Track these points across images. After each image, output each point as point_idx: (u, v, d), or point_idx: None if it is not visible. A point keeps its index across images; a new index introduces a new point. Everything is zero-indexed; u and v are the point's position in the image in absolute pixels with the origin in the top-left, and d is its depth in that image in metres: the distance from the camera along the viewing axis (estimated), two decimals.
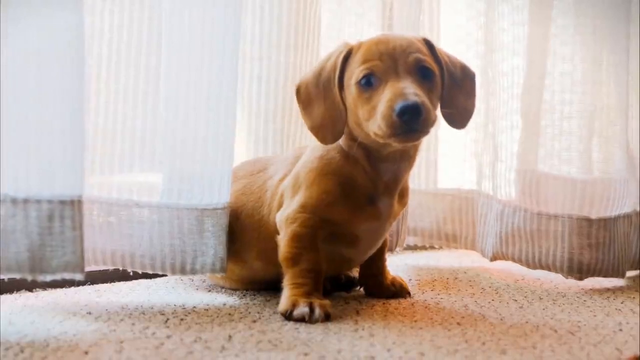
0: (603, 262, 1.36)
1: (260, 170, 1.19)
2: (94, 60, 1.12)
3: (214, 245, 1.12)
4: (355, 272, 1.26)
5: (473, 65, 1.51)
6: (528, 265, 1.40)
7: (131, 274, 1.18)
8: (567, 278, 1.37)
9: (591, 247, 1.35)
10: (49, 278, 0.95)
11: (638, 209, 1.45)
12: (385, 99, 0.98)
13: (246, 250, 1.15)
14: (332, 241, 1.09)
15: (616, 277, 1.38)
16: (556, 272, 1.37)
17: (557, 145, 1.42)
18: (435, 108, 1.03)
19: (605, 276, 1.37)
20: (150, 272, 1.13)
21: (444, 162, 1.62)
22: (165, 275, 1.27)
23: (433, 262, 1.60)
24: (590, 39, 1.41)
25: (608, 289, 1.33)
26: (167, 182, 1.12)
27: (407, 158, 1.09)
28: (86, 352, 0.84)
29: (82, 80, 0.98)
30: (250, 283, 1.22)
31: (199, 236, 1.11)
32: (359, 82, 1.02)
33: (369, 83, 1.01)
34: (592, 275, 1.36)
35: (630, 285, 1.39)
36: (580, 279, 1.36)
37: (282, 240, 1.08)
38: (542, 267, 1.38)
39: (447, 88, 1.07)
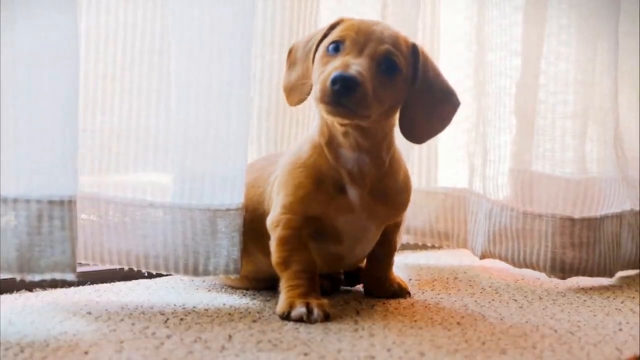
0: (587, 261, 1.36)
1: (269, 164, 1.19)
2: (110, 59, 1.12)
3: (226, 247, 1.12)
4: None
5: (472, 65, 1.52)
6: (514, 264, 1.40)
7: (145, 273, 1.18)
8: (550, 277, 1.38)
9: (574, 247, 1.35)
10: (37, 278, 0.95)
11: (636, 209, 1.45)
12: (330, 66, 1.00)
13: (252, 242, 1.15)
14: (318, 239, 1.10)
15: (603, 276, 1.38)
16: (540, 271, 1.38)
17: (543, 144, 1.42)
18: (382, 102, 1.02)
19: (590, 276, 1.37)
20: (164, 272, 1.13)
21: (440, 161, 1.62)
22: (167, 275, 1.27)
23: (433, 261, 1.60)
24: (582, 38, 1.40)
25: (608, 289, 1.33)
26: (179, 182, 1.12)
27: (366, 150, 1.07)
28: (86, 352, 0.84)
29: (75, 80, 0.98)
30: (256, 279, 1.21)
31: (211, 237, 1.11)
32: (327, 47, 1.04)
33: (336, 49, 1.03)
34: (576, 274, 1.36)
35: (631, 285, 1.39)
36: (563, 278, 1.36)
37: (272, 246, 1.08)
38: (527, 266, 1.39)
39: (416, 100, 1.07)
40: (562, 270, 1.36)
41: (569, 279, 1.38)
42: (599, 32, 1.40)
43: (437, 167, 1.60)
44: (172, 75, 1.12)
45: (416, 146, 1.54)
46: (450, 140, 1.61)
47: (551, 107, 1.41)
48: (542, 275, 1.43)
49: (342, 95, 0.96)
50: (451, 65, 1.56)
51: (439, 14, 1.56)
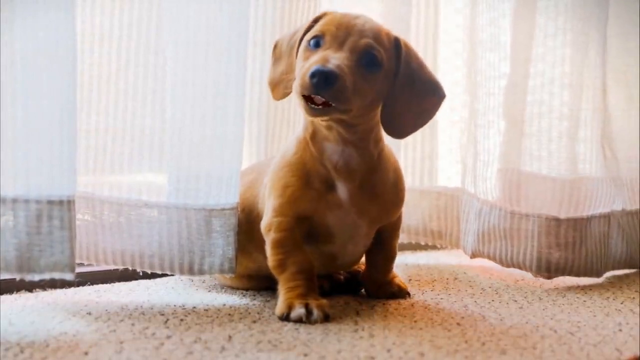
0: (573, 261, 1.36)
1: (266, 166, 1.19)
2: (105, 59, 1.12)
3: (222, 246, 1.12)
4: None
5: (467, 65, 1.52)
6: (502, 264, 1.40)
7: (140, 273, 1.18)
8: (535, 277, 1.38)
9: (560, 247, 1.36)
10: (37, 278, 0.96)
11: (627, 209, 1.45)
12: (311, 60, 1.00)
13: (248, 242, 1.15)
14: (310, 240, 1.09)
15: (590, 276, 1.38)
16: (526, 270, 1.38)
17: (530, 144, 1.42)
18: (364, 97, 1.02)
19: (577, 275, 1.37)
20: (159, 272, 1.14)
21: (437, 160, 1.62)
22: (166, 275, 1.27)
23: (433, 261, 1.59)
24: (571, 39, 1.40)
25: (608, 290, 1.33)
26: (174, 182, 1.12)
27: (352, 144, 1.07)
28: (86, 352, 0.84)
29: (74, 80, 0.98)
30: (257, 278, 1.21)
31: (206, 237, 1.12)
32: (308, 41, 1.04)
33: (316, 44, 1.03)
34: (562, 274, 1.36)
35: (631, 285, 1.39)
36: (549, 277, 1.37)
37: (267, 249, 1.08)
38: (514, 266, 1.39)
39: (398, 93, 1.06)
40: (547, 270, 1.36)
41: (569, 280, 1.38)
42: (588, 32, 1.40)
43: (432, 166, 1.60)
44: (168, 76, 1.12)
45: (410, 145, 1.54)
46: (448, 140, 1.61)
47: (539, 108, 1.41)
48: None
49: (321, 88, 0.96)
50: (450, 65, 1.56)
51: (439, 13, 1.56)
